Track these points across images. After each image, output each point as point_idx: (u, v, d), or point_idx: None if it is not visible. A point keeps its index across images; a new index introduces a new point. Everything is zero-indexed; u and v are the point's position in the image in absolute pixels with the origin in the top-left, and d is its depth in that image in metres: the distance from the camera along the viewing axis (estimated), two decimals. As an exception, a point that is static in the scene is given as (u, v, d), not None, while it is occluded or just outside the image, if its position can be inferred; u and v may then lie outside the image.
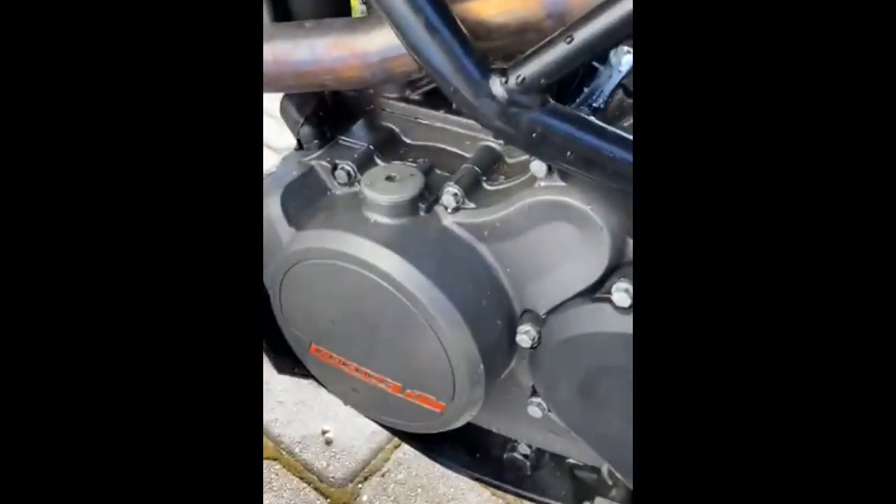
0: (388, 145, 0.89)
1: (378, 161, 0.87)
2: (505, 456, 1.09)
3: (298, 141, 0.91)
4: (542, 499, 1.08)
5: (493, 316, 0.77)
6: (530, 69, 0.58)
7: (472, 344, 0.74)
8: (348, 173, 0.84)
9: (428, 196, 0.79)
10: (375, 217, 0.78)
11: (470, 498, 1.59)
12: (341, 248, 0.76)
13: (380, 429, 1.70)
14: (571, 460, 1.11)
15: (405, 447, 1.69)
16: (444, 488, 1.60)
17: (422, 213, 0.78)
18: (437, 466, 1.66)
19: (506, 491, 1.11)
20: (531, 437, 0.93)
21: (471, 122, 0.84)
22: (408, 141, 0.90)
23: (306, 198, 0.84)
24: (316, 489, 1.55)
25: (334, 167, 0.85)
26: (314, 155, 0.88)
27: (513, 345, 0.80)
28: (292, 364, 1.00)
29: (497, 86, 0.60)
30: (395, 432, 1.09)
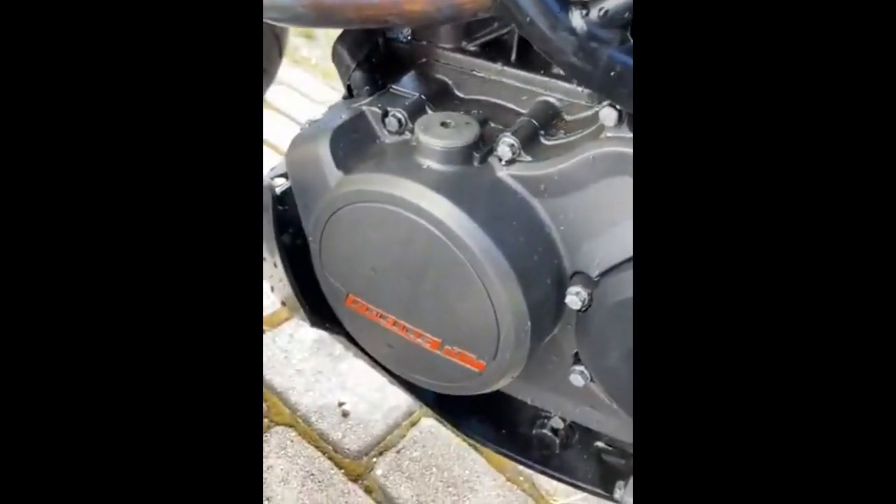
0: (441, 98, 0.86)
1: (430, 111, 0.84)
2: (533, 432, 1.06)
3: (348, 87, 0.89)
4: (568, 479, 1.06)
5: (544, 273, 0.74)
6: (614, 1, 0.55)
7: (521, 299, 0.72)
8: (399, 121, 0.82)
9: (482, 146, 0.76)
10: (428, 163, 0.75)
11: (485, 481, 1.56)
12: (391, 191, 0.73)
13: (397, 404, 1.69)
14: (600, 444, 1.08)
15: (422, 425, 1.67)
16: (460, 469, 1.57)
17: (475, 163, 0.76)
18: (453, 446, 1.65)
19: (531, 468, 1.08)
20: (567, 409, 0.90)
21: (529, 75, 0.82)
22: (461, 94, 0.87)
23: (355, 143, 0.82)
24: (330, 459, 1.53)
25: (385, 114, 0.83)
26: (364, 101, 0.85)
27: (560, 307, 0.78)
28: (325, 319, 0.98)
29: (577, 18, 0.57)
30: (423, 398, 1.06)
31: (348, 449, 1.56)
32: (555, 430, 1.04)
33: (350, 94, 0.90)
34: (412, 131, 0.81)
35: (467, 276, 0.72)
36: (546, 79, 0.80)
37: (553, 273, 0.75)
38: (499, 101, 0.84)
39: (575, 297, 0.74)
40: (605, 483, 1.07)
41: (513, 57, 0.83)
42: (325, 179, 0.81)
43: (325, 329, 0.99)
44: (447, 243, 0.72)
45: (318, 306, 0.96)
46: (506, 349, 0.75)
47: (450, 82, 0.87)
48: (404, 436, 1.62)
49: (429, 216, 0.72)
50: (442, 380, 0.86)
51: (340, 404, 1.65)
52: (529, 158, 0.74)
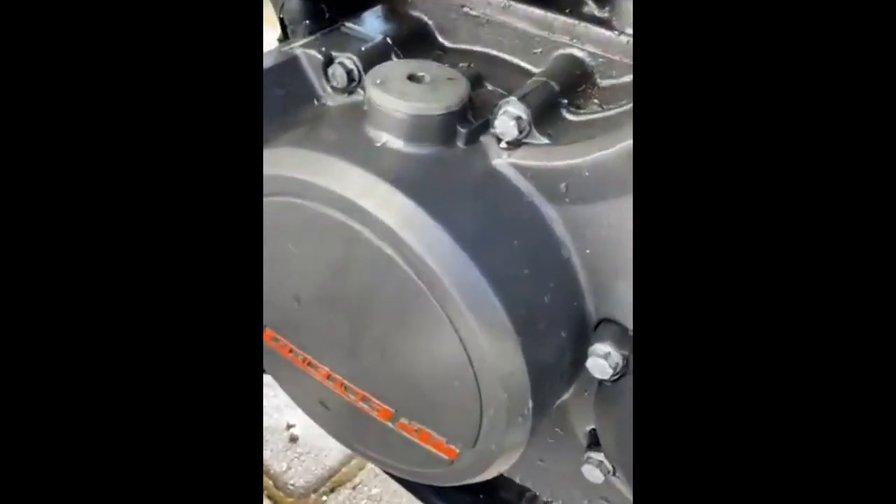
0: (415, 44, 0.59)
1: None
2: (521, 506, 0.80)
3: (282, 22, 0.61)
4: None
5: (556, 323, 0.47)
6: None
7: (519, 363, 0.45)
8: (349, 73, 0.54)
9: (472, 116, 0.49)
10: (385, 138, 0.47)
11: (456, 527, 1.30)
12: (326, 182, 0.46)
13: (357, 429, 1.43)
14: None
15: (385, 455, 1.42)
16: (427, 511, 1.32)
17: (460, 143, 0.48)
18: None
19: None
20: (572, 500, 0.63)
21: (548, 15, 0.54)
22: (445, 41, 0.60)
23: (279, 102, 0.54)
24: (269, 497, 1.27)
25: (328, 61, 0.55)
26: (301, 42, 0.57)
27: (577, 366, 0.51)
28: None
29: None
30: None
31: (293, 484, 1.29)
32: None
33: (285, 34, 0.62)
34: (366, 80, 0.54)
35: (437, 327, 0.45)
36: (573, 21, 0.53)
37: (569, 320, 0.48)
38: (500, 54, 0.57)
39: (602, 362, 0.48)
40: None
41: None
42: (230, 156, 0.53)
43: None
44: (407, 272, 0.44)
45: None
46: (492, 434, 0.48)
47: (430, 23, 0.60)
48: (363, 467, 1.36)
49: (381, 228, 0.44)
50: (394, 459, 0.59)
51: (289, 426, 1.38)
52: (545, 140, 0.47)
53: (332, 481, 1.32)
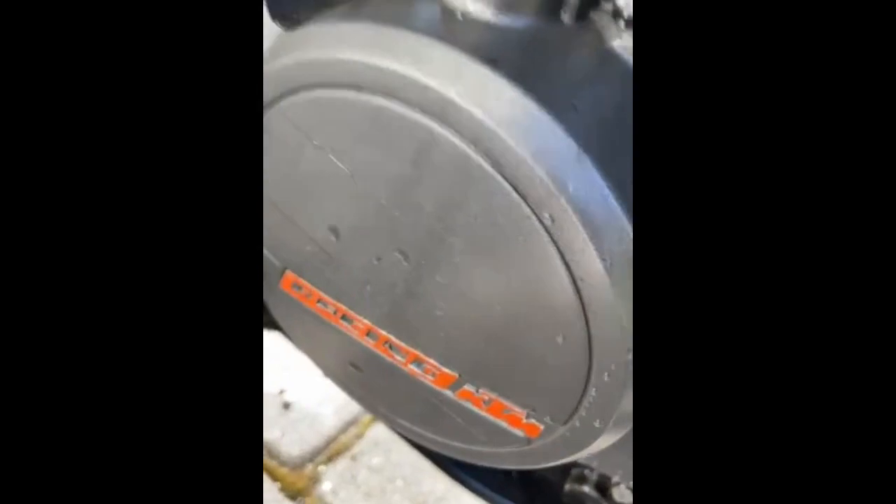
0: None
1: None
2: (567, 487, 0.70)
3: None
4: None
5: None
6: None
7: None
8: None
9: (581, -16, 0.36)
10: (470, 6, 0.35)
11: (463, 498, 1.22)
12: (383, 62, 0.34)
13: (355, 395, 1.35)
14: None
15: (385, 422, 1.33)
16: (431, 483, 1.25)
17: (565, 18, 0.36)
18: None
19: (558, 537, 0.73)
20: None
21: None
22: None
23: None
24: (264, 467, 1.18)
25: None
26: None
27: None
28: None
29: None
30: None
31: (288, 454, 1.21)
32: (601, 487, 0.68)
33: None
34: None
35: (541, 260, 0.33)
36: None
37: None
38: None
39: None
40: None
41: None
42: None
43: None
44: (506, 187, 0.32)
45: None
46: (598, 408, 0.37)
47: None
48: (362, 436, 1.28)
49: (469, 124, 0.32)
50: (444, 435, 0.48)
51: (281, 392, 1.29)
52: (681, 18, 0.35)
53: (329, 450, 1.23)
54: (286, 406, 1.26)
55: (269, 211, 0.46)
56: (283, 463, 1.18)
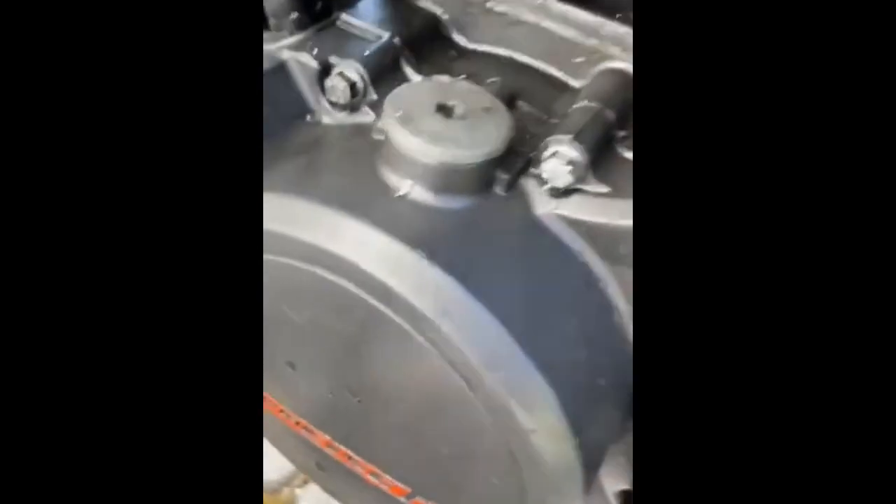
0: (427, 45, 0.48)
1: (409, 71, 0.46)
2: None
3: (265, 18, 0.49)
4: None
5: (611, 404, 0.40)
6: None
7: (574, 462, 0.38)
8: (352, 85, 0.43)
9: (512, 157, 0.39)
10: (408, 187, 0.38)
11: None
12: (328, 245, 0.37)
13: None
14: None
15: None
16: (403, 498, 1.28)
17: (498, 190, 0.39)
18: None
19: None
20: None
21: (591, 19, 0.44)
22: (462, 42, 0.49)
23: (267, 123, 0.43)
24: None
25: (325, 69, 0.44)
26: (288, 41, 0.46)
27: (621, 437, 0.44)
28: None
29: None
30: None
31: (267, 478, 1.22)
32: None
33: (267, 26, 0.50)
34: (375, 107, 0.43)
35: (476, 424, 0.37)
36: (625, 29, 0.43)
37: (623, 397, 0.41)
38: (532, 62, 0.47)
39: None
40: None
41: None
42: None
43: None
44: (441, 362, 0.36)
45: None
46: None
47: (445, 17, 0.49)
48: (336, 455, 1.30)
49: (404, 307, 0.35)
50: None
51: (255, 415, 1.31)
52: (602, 188, 0.38)
53: (303, 475, 1.26)
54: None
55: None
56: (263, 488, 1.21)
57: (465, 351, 0.35)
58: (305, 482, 1.25)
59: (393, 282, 0.35)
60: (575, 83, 0.46)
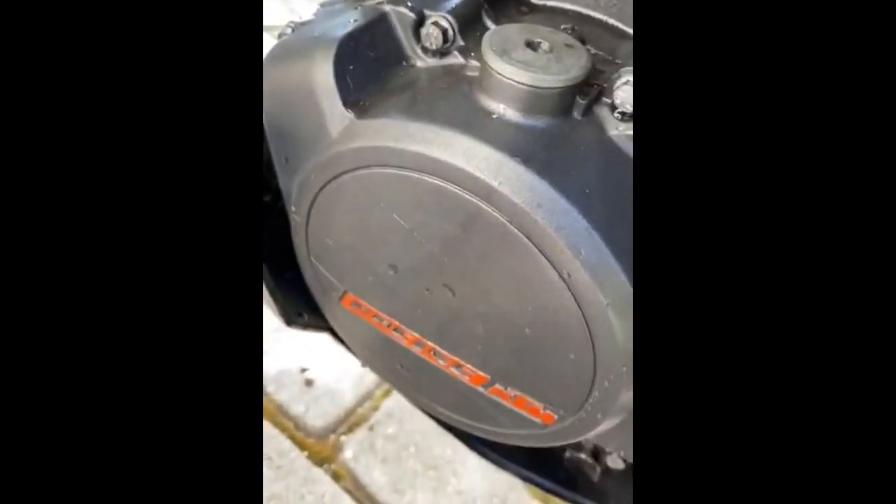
0: (500, 2, 0.56)
1: (488, 22, 0.54)
2: (567, 455, 0.83)
3: (358, -28, 0.57)
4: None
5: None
6: None
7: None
8: (444, 33, 0.51)
9: (587, 88, 0.47)
10: (503, 109, 0.46)
11: (469, 462, 1.35)
12: (438, 153, 0.45)
13: (368, 371, 1.46)
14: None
15: (397, 395, 1.44)
16: (440, 449, 1.36)
17: (576, 114, 0.47)
18: (433, 422, 1.44)
19: (559, 496, 0.86)
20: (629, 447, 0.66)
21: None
22: (534, -1, 0.57)
23: (372, 65, 0.51)
24: (291, 438, 1.29)
25: (420, 20, 0.52)
26: (386, -3, 0.54)
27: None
28: (301, 306, 0.70)
29: None
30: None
31: (312, 425, 1.31)
32: (595, 455, 0.81)
33: (358, -17, 0.58)
34: (463, 52, 0.51)
35: (559, 301, 0.45)
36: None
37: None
38: (594, 14, 0.55)
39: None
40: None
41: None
42: (321, 120, 0.51)
43: (305, 327, 0.71)
44: (531, 248, 0.44)
45: (294, 294, 0.67)
46: (600, 405, 0.50)
47: (518, -25, 0.57)
48: (377, 408, 1.38)
49: (503, 202, 0.43)
50: (477, 420, 0.60)
51: (303, 370, 1.39)
52: (662, 113, 0.46)
53: (349, 422, 1.34)
54: (308, 383, 1.37)
55: (333, 249, 0.57)
56: (309, 434, 1.29)
57: (555, 238, 0.43)
58: (349, 429, 1.34)
59: (495, 182, 0.43)
60: (628, 30, 0.54)
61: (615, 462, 0.76)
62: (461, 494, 1.31)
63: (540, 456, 0.87)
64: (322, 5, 0.61)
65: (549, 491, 0.87)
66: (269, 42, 0.66)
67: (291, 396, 1.35)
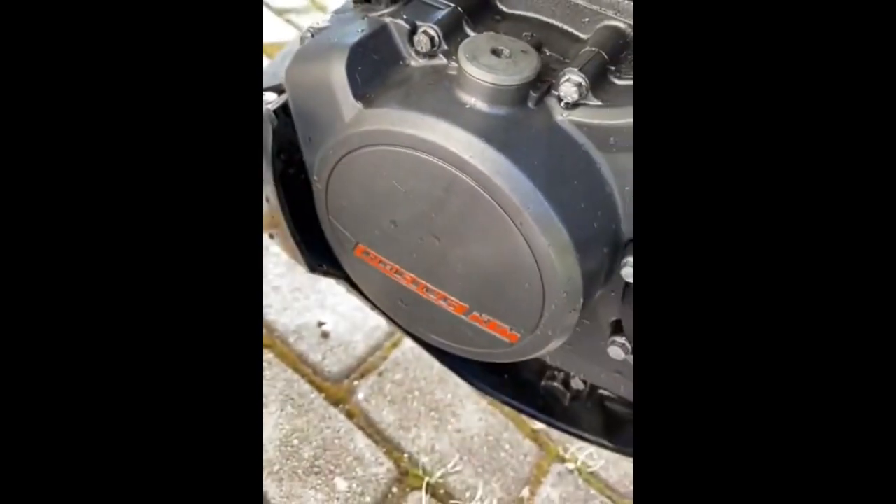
0: (479, 11, 0.70)
1: (467, 29, 0.68)
2: (542, 384, 1.00)
3: (366, -11, 0.72)
4: (575, 430, 1.01)
5: (602, 242, 0.63)
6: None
7: (577, 272, 0.61)
8: (432, 39, 0.66)
9: (539, 83, 0.62)
10: (473, 101, 0.61)
11: (467, 405, 1.53)
12: (427, 135, 0.60)
13: (378, 324, 1.61)
14: (603, 391, 1.03)
15: (404, 346, 1.60)
16: (441, 393, 1.53)
17: (531, 104, 0.62)
18: (435, 369, 1.60)
19: (537, 419, 1.03)
20: (593, 374, 0.82)
21: (595, -9, 0.66)
22: (503, 8, 0.71)
23: (376, 66, 0.66)
24: (310, 382, 1.46)
25: (413, 29, 0.67)
26: (386, 11, 0.69)
27: (610, 273, 0.67)
28: (322, 258, 0.86)
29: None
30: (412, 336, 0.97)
31: (329, 371, 1.49)
32: (566, 384, 0.98)
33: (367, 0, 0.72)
34: (446, 54, 0.66)
35: (515, 245, 0.61)
36: (617, -1, 0.65)
37: (610, 240, 0.64)
38: (552, 21, 0.69)
39: (631, 269, 0.64)
40: (609, 431, 1.02)
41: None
42: (337, 109, 0.66)
43: (325, 275, 0.87)
44: (494, 205, 0.59)
45: (316, 248, 0.83)
46: (550, 324, 0.66)
47: (490, -9, 0.71)
48: (386, 357, 1.56)
49: (473, 171, 0.59)
50: (461, 343, 0.76)
51: (320, 324, 1.56)
52: (598, 102, 0.61)
53: (361, 369, 1.51)
54: (325, 335, 1.54)
55: (347, 209, 0.72)
56: (325, 379, 1.45)
57: (510, 196, 0.58)
58: (361, 375, 1.51)
59: (467, 156, 0.58)
60: (583, 36, 0.68)
61: (577, 384, 0.93)
62: (460, 432, 1.48)
63: (520, 386, 1.04)
64: (336, 12, 0.76)
65: (529, 415, 1.04)
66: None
67: (310, 347, 1.52)
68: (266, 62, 0.85)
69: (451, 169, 0.60)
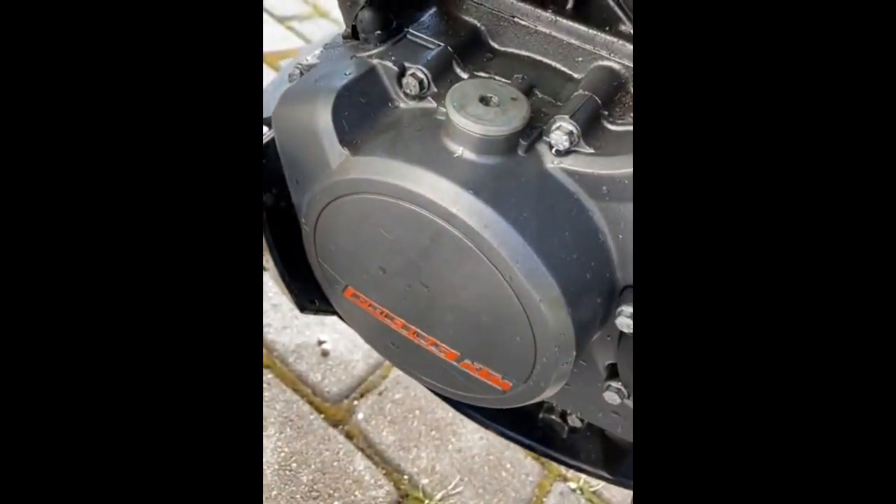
0: (470, 49, 0.68)
1: (458, 70, 0.66)
2: (541, 416, 0.98)
3: (353, 29, 0.70)
4: (574, 462, 0.99)
5: (595, 292, 0.61)
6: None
7: (568, 326, 0.59)
8: (420, 82, 0.64)
9: (530, 129, 0.60)
10: (461, 151, 0.59)
11: (468, 424, 1.51)
12: (413, 187, 0.58)
13: (379, 343, 1.60)
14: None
15: (404, 364, 1.59)
16: (442, 412, 1.52)
17: (521, 152, 0.60)
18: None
19: (535, 451, 1.01)
20: (589, 413, 0.80)
21: (589, 31, 0.64)
22: (495, 46, 0.69)
23: (363, 110, 0.65)
24: (310, 403, 1.45)
25: (402, 71, 0.65)
26: (374, 51, 0.67)
27: (605, 319, 0.66)
28: (313, 294, 0.84)
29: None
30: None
31: (328, 392, 1.48)
32: (563, 415, 0.96)
33: (355, 35, 0.71)
34: (435, 97, 0.64)
35: (504, 297, 0.59)
36: (611, 38, 0.63)
37: (604, 289, 0.62)
38: (545, 60, 0.67)
39: (627, 319, 0.62)
40: (608, 462, 1.00)
41: (569, 4, 0.65)
42: (323, 154, 0.64)
43: (316, 313, 0.85)
44: (482, 258, 0.58)
45: (308, 284, 0.82)
46: (542, 375, 0.64)
47: (482, 28, 0.69)
48: (386, 376, 1.54)
49: (460, 224, 0.57)
50: (454, 387, 0.74)
51: (320, 342, 1.55)
52: (590, 150, 0.59)
53: (361, 388, 1.50)
54: (324, 354, 1.53)
55: (335, 252, 0.71)
56: (325, 399, 1.44)
57: (498, 251, 0.56)
58: (361, 395, 1.50)
59: (454, 209, 0.57)
60: (576, 75, 0.66)
61: (574, 421, 0.91)
62: (461, 452, 1.46)
63: (519, 418, 1.02)
64: (325, 47, 0.74)
65: (527, 447, 1.02)
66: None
67: (310, 366, 1.51)
68: (267, 73, 0.83)
69: (439, 220, 0.58)
